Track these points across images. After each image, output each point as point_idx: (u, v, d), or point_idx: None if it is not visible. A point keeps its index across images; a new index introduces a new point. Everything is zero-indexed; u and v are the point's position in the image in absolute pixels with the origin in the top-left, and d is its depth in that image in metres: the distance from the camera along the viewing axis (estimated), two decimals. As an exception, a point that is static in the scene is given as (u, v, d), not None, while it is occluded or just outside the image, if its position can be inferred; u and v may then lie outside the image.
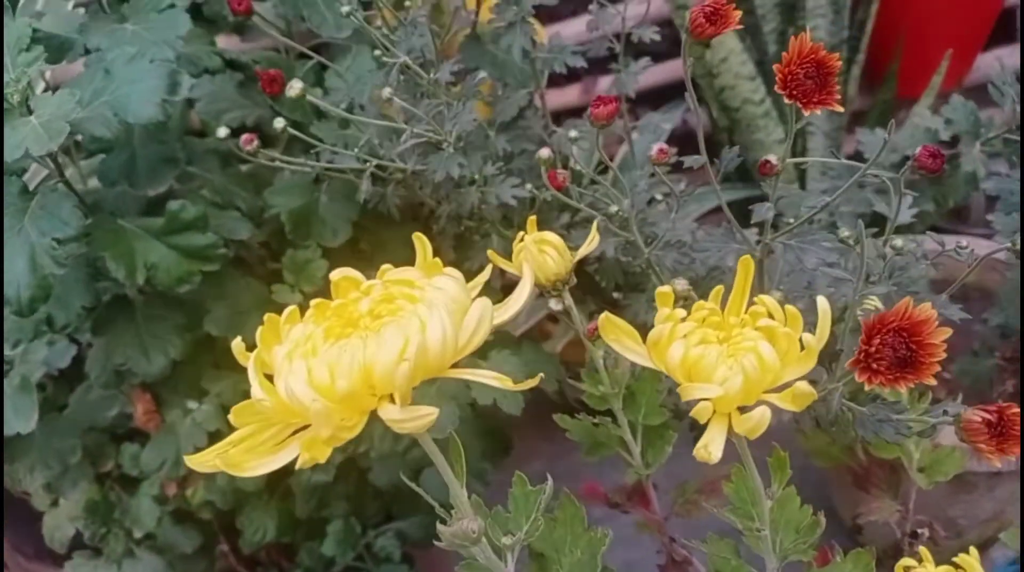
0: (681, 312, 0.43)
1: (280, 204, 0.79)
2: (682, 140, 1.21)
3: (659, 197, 0.63)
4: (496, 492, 0.59)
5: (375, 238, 0.81)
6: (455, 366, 0.39)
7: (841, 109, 0.47)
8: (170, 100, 0.66)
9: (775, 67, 0.47)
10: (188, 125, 0.87)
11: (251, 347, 0.83)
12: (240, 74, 0.86)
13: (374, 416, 0.79)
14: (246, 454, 0.38)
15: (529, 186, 0.67)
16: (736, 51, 1.26)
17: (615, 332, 0.44)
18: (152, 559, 0.94)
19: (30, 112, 0.62)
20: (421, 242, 0.44)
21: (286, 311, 0.40)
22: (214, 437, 0.83)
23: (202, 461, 0.38)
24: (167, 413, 0.84)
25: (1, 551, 1.16)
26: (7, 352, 0.73)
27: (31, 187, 0.66)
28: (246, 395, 0.84)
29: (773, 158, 0.53)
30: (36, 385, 0.86)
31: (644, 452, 0.61)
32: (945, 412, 0.44)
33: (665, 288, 0.44)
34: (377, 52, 0.68)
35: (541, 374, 0.42)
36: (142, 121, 0.64)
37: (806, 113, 0.47)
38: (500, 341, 0.81)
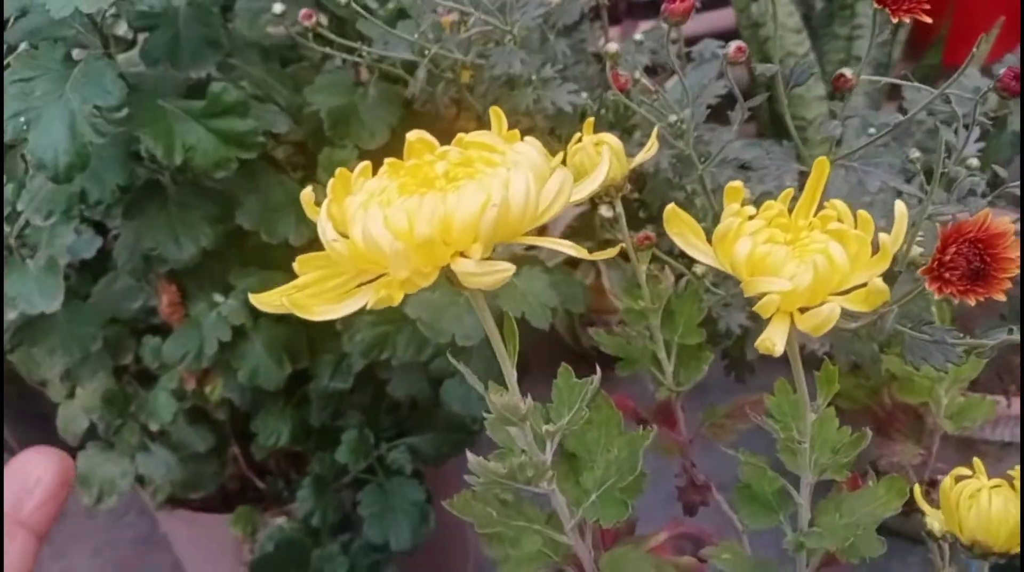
0: (750, 208, 0.42)
1: (321, 102, 0.78)
2: (722, 95, 1.19)
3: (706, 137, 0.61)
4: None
5: (413, 145, 0.79)
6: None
7: (929, 20, 0.46)
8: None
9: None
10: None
11: (281, 243, 0.81)
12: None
13: (401, 324, 0.78)
14: (313, 298, 0.37)
15: (585, 95, 0.66)
16: (783, 2, 1.23)
17: (679, 225, 0.43)
18: (165, 455, 0.95)
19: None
20: (497, 114, 0.42)
21: (359, 166, 0.39)
22: (238, 332, 0.82)
23: (268, 301, 0.38)
24: (192, 306, 0.83)
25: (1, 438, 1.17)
26: (39, 223, 0.72)
27: (81, 60, 0.64)
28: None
29: (848, 71, 0.51)
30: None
31: (677, 371, 0.61)
32: (1011, 330, 0.43)
33: (736, 183, 0.43)
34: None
35: (612, 249, 0.41)
36: (190, -6, 0.63)
37: (894, 20, 0.46)
38: (531, 261, 0.80)
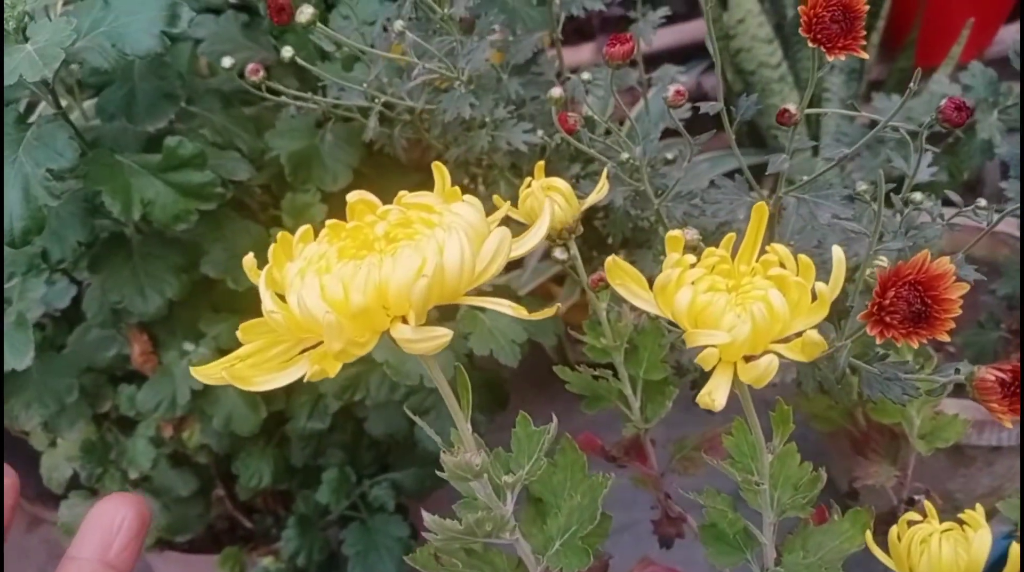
0: (691, 257, 0.42)
1: (281, 146, 0.78)
2: (696, 103, 1.20)
3: (670, 156, 0.61)
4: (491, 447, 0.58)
5: (376, 186, 0.79)
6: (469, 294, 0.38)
7: (865, 55, 0.46)
8: (169, 33, 0.65)
9: (799, 8, 0.45)
10: (196, 68, 0.86)
11: (249, 289, 0.81)
12: (245, 15, 0.84)
13: (372, 365, 0.78)
14: (253, 369, 0.37)
15: (540, 133, 0.66)
16: (754, 12, 1.23)
17: (621, 276, 0.43)
18: (148, 501, 0.94)
19: (26, 39, 0.60)
20: (440, 171, 0.42)
21: (299, 231, 0.39)
22: (210, 381, 0.82)
23: (208, 373, 0.38)
24: (164, 355, 0.83)
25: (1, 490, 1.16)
26: (5, 285, 0.72)
27: (34, 122, 0.64)
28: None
29: (792, 107, 0.51)
30: (36, 325, 0.86)
31: (643, 406, 0.61)
32: (957, 370, 0.43)
33: (676, 232, 0.43)
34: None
35: (558, 304, 0.40)
36: (140, 53, 0.63)
37: (829, 58, 0.46)
38: (503, 295, 0.80)
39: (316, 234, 0.41)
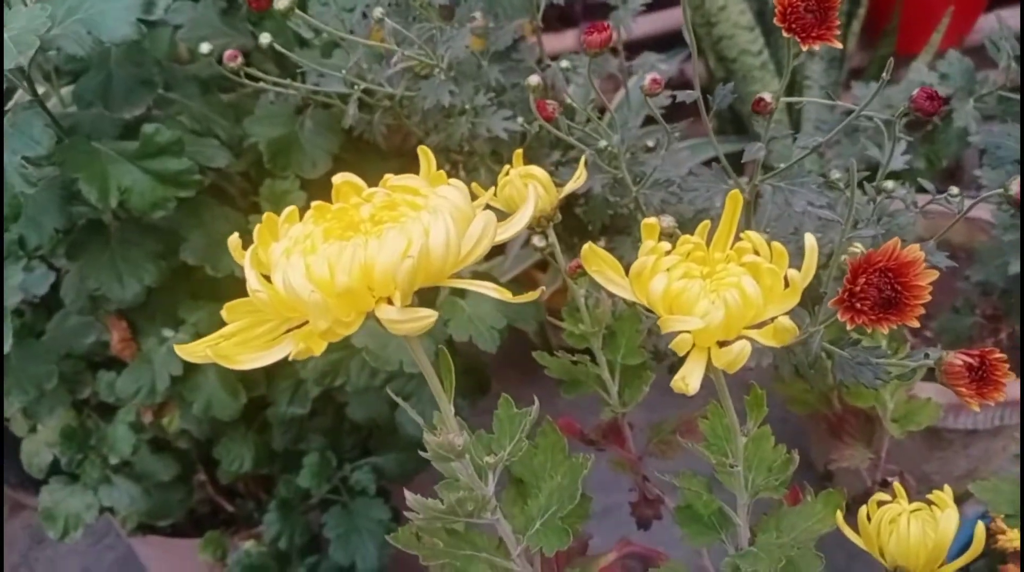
0: (665, 245, 0.43)
1: (260, 133, 0.78)
2: (678, 90, 1.20)
3: (651, 144, 0.62)
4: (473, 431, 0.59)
5: (356, 171, 0.79)
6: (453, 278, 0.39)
7: (840, 45, 0.46)
8: (145, 19, 0.64)
9: (774, -1, 0.46)
10: (175, 54, 0.85)
11: (228, 276, 0.81)
12: (223, 1, 0.84)
13: (352, 351, 0.78)
14: (239, 347, 0.37)
15: (520, 120, 0.66)
16: (735, 0, 1.23)
17: (598, 263, 0.44)
18: (129, 486, 0.94)
19: (1, 26, 0.60)
20: (426, 154, 0.43)
21: (285, 211, 0.39)
22: (190, 366, 0.82)
23: (192, 351, 0.38)
24: (143, 341, 0.83)
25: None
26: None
27: (10, 109, 0.64)
28: (223, 324, 0.84)
29: (767, 96, 0.52)
30: (14, 311, 0.85)
31: (621, 391, 0.61)
32: (926, 355, 0.44)
33: (651, 220, 0.43)
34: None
35: (542, 288, 0.41)
36: (116, 40, 0.62)
37: (804, 48, 0.46)
38: (485, 280, 0.80)
39: (301, 216, 0.41)
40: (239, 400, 0.83)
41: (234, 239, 0.41)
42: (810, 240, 0.40)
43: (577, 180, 0.57)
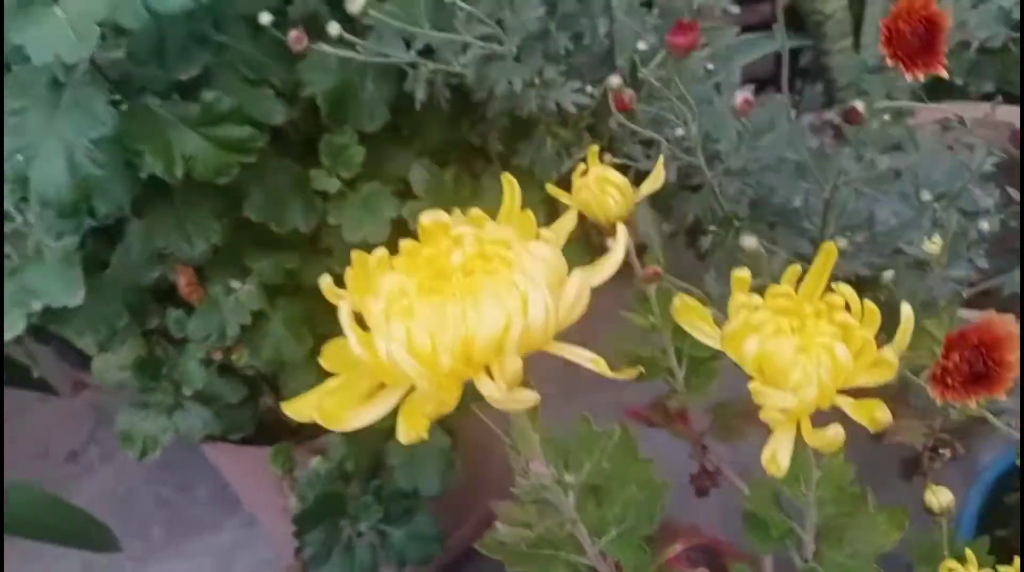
0: (756, 299, 0.42)
1: (315, 81, 0.75)
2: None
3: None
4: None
5: (415, 123, 0.77)
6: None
7: (947, 74, 0.43)
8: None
9: (881, 21, 0.42)
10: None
11: (291, 230, 0.80)
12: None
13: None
14: (343, 406, 0.38)
15: (590, 88, 0.63)
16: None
17: (690, 315, 0.44)
18: (200, 410, 0.98)
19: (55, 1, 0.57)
20: (510, 185, 0.42)
21: (375, 254, 0.40)
22: (257, 316, 0.84)
23: (300, 410, 0.39)
24: (210, 287, 0.84)
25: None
26: (50, 244, 0.72)
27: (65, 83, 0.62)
28: (289, 274, 0.85)
29: (859, 105, 0.49)
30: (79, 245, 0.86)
31: (688, 381, 0.62)
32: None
33: (742, 271, 0.43)
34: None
35: (640, 368, 0.41)
36: (175, 11, 0.60)
37: (908, 79, 0.43)
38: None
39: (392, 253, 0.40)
40: (305, 344, 0.86)
41: (328, 284, 0.41)
42: (906, 310, 0.40)
43: (655, 180, 0.55)
